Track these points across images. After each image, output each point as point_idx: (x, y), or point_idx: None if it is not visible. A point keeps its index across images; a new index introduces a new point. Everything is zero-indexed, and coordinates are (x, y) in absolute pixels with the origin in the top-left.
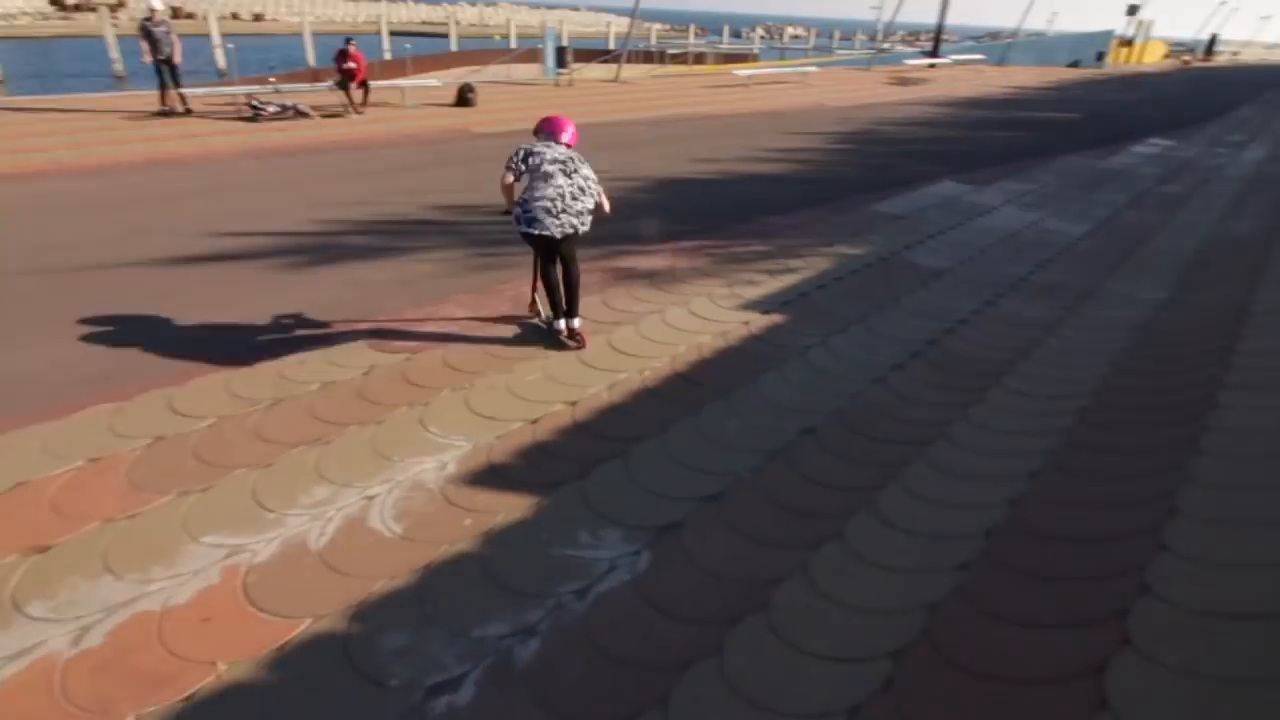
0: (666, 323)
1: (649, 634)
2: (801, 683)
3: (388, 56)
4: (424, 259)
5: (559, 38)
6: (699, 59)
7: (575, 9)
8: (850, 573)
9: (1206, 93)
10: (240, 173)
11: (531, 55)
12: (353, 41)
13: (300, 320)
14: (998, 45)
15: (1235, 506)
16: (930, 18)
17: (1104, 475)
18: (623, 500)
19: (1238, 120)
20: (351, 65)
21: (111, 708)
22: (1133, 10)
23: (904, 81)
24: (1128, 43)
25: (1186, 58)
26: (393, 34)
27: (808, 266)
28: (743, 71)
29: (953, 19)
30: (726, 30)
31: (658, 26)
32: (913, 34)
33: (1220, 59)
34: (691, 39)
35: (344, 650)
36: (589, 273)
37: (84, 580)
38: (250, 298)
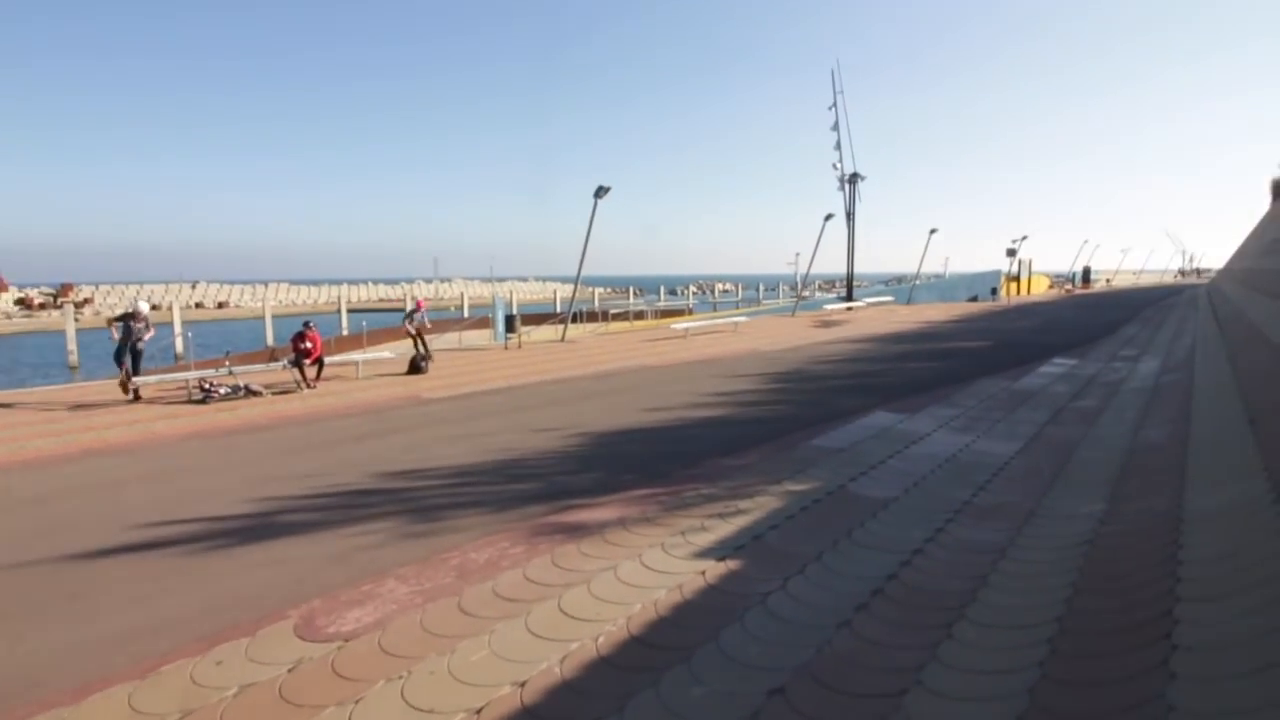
0: (620, 579)
1: None
2: None
3: (345, 332)
4: (364, 531)
5: (508, 305)
6: (639, 316)
7: (524, 279)
8: None
9: (1093, 315)
10: (183, 455)
11: (483, 323)
12: (311, 323)
13: (223, 611)
14: (904, 287)
15: None
16: (839, 267)
17: (1095, 708)
18: None
19: (1126, 337)
20: (307, 345)
21: None
22: (1011, 253)
23: (827, 324)
24: (1015, 278)
25: (1068, 287)
26: (351, 311)
27: (758, 507)
28: (680, 325)
29: (859, 268)
30: (663, 290)
31: (600, 290)
32: (829, 282)
33: (1097, 286)
34: (631, 299)
35: None
36: (537, 531)
37: None
38: (169, 592)
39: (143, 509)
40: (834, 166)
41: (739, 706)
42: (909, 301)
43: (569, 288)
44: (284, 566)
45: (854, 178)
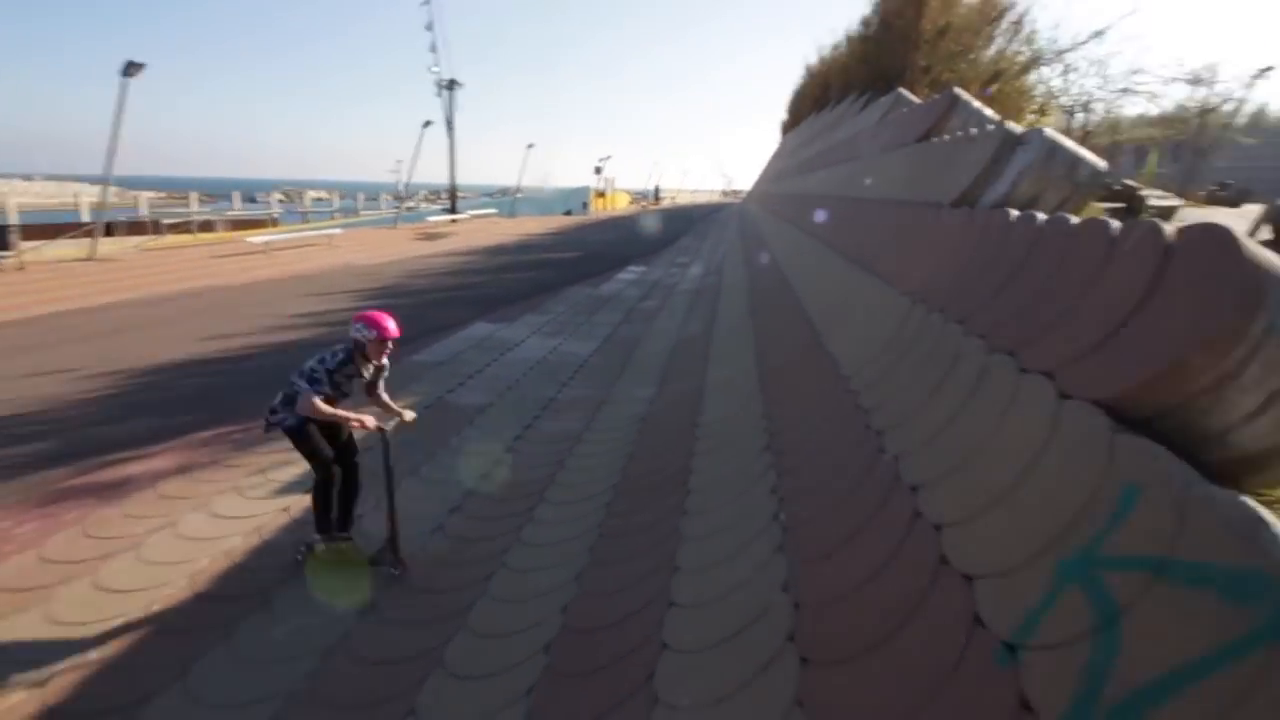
0: (181, 536)
1: None
2: None
3: None
4: None
5: (2, 214)
6: (206, 227)
7: (27, 178)
8: None
9: (660, 227)
10: None
11: None
12: None
13: None
14: (507, 200)
15: (708, 553)
16: (443, 177)
17: (627, 556)
18: None
19: (682, 246)
20: None
21: None
22: (598, 170)
23: (430, 236)
24: (602, 194)
25: (643, 203)
26: None
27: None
28: (259, 238)
29: (462, 179)
30: (238, 196)
31: (149, 194)
32: (434, 193)
33: (665, 202)
34: (195, 206)
35: None
36: (58, 498)
37: None
38: None
39: None
40: (430, 70)
41: (325, 633)
42: (511, 214)
43: (98, 190)
44: None
45: (452, 84)
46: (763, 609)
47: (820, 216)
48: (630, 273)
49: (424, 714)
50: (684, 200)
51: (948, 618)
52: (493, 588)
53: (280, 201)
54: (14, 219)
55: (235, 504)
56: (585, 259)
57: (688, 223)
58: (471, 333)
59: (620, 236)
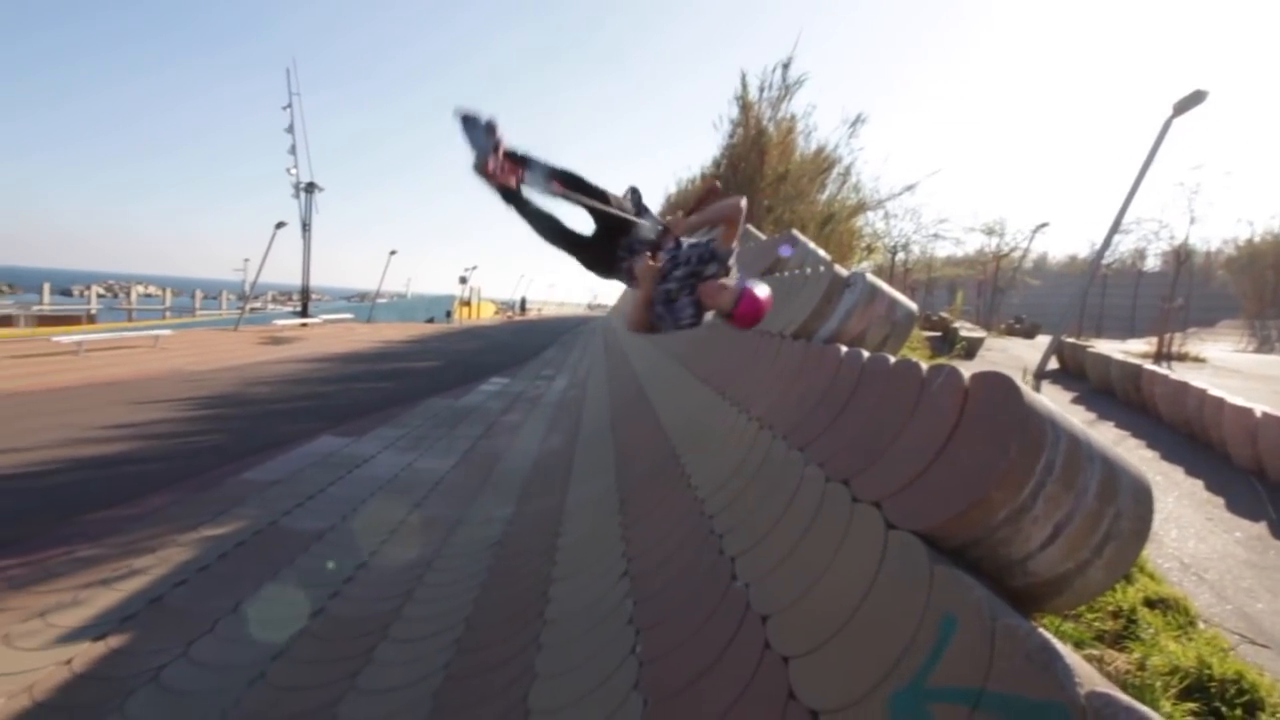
0: None
1: None
2: None
3: None
4: None
5: None
6: (5, 322)
7: None
8: None
9: (526, 339)
10: None
11: None
12: None
13: None
14: (365, 305)
15: (564, 692)
16: (296, 279)
17: (477, 700)
18: None
19: (546, 359)
20: None
21: None
22: (463, 280)
23: (276, 341)
24: (467, 303)
25: (509, 313)
26: None
27: (161, 562)
28: (69, 337)
29: (318, 281)
30: (48, 288)
31: None
32: (284, 294)
33: (531, 313)
34: None
35: None
36: None
37: None
38: None
39: None
40: (289, 172)
41: None
42: (369, 319)
43: None
44: None
45: (310, 186)
46: None
47: (677, 342)
48: (494, 384)
49: None
50: (550, 312)
51: None
52: None
53: (101, 296)
54: None
55: (1, 656)
56: (446, 368)
57: (553, 334)
58: (316, 447)
59: (484, 346)
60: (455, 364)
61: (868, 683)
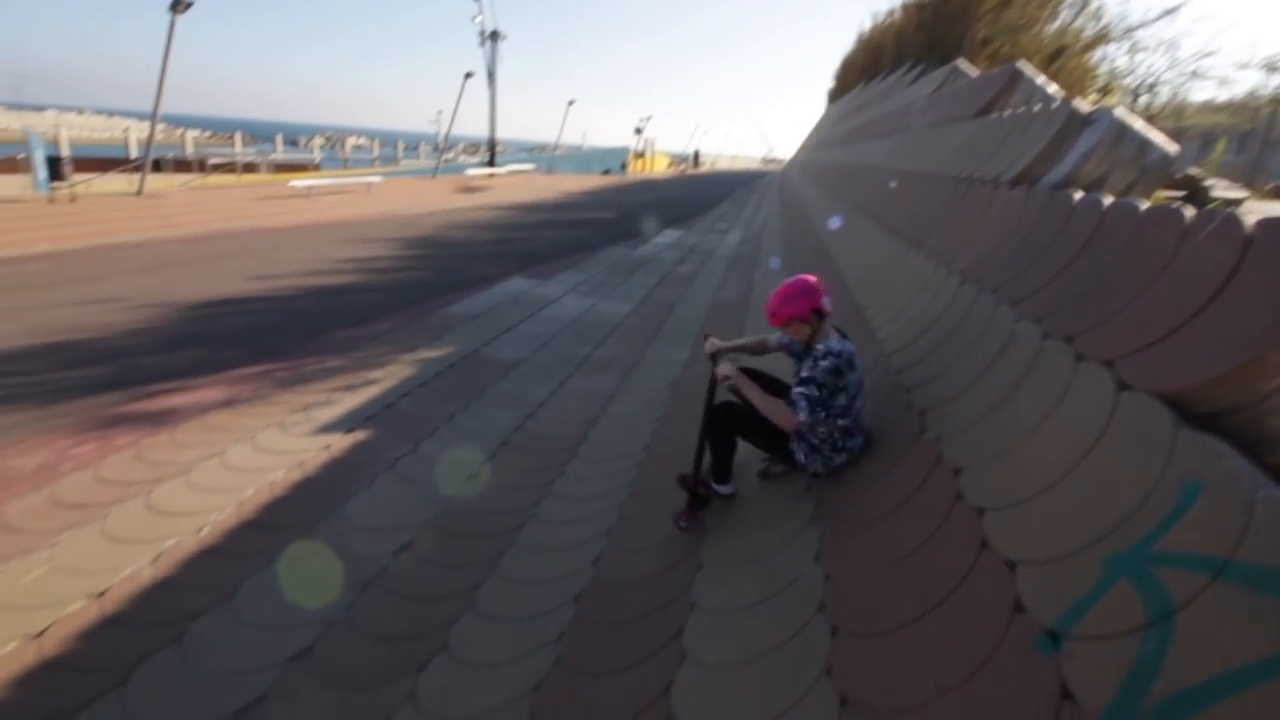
0: (227, 466)
1: None
2: None
3: None
4: None
5: (54, 146)
6: (249, 169)
7: (79, 111)
8: (459, 684)
9: (700, 192)
10: None
11: (11, 165)
12: None
13: None
14: (545, 156)
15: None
16: (482, 130)
17: (658, 516)
18: (183, 696)
19: (720, 212)
20: None
21: None
22: (638, 131)
23: (469, 190)
24: (641, 155)
25: (682, 166)
26: None
27: (389, 376)
28: (301, 182)
29: (502, 133)
30: (280, 139)
31: (194, 134)
32: (473, 146)
33: (704, 167)
34: (239, 147)
35: None
36: (112, 423)
37: None
38: None
39: None
40: (473, 20)
41: (364, 568)
42: (549, 171)
43: (146, 127)
44: None
45: (494, 35)
46: (793, 576)
47: (861, 192)
48: (668, 236)
49: (456, 649)
50: (724, 165)
51: (987, 601)
52: (523, 536)
53: (321, 147)
54: (66, 151)
55: (279, 439)
56: (622, 220)
57: (727, 188)
58: (508, 287)
59: (658, 199)
60: (630, 216)
61: (1078, 541)
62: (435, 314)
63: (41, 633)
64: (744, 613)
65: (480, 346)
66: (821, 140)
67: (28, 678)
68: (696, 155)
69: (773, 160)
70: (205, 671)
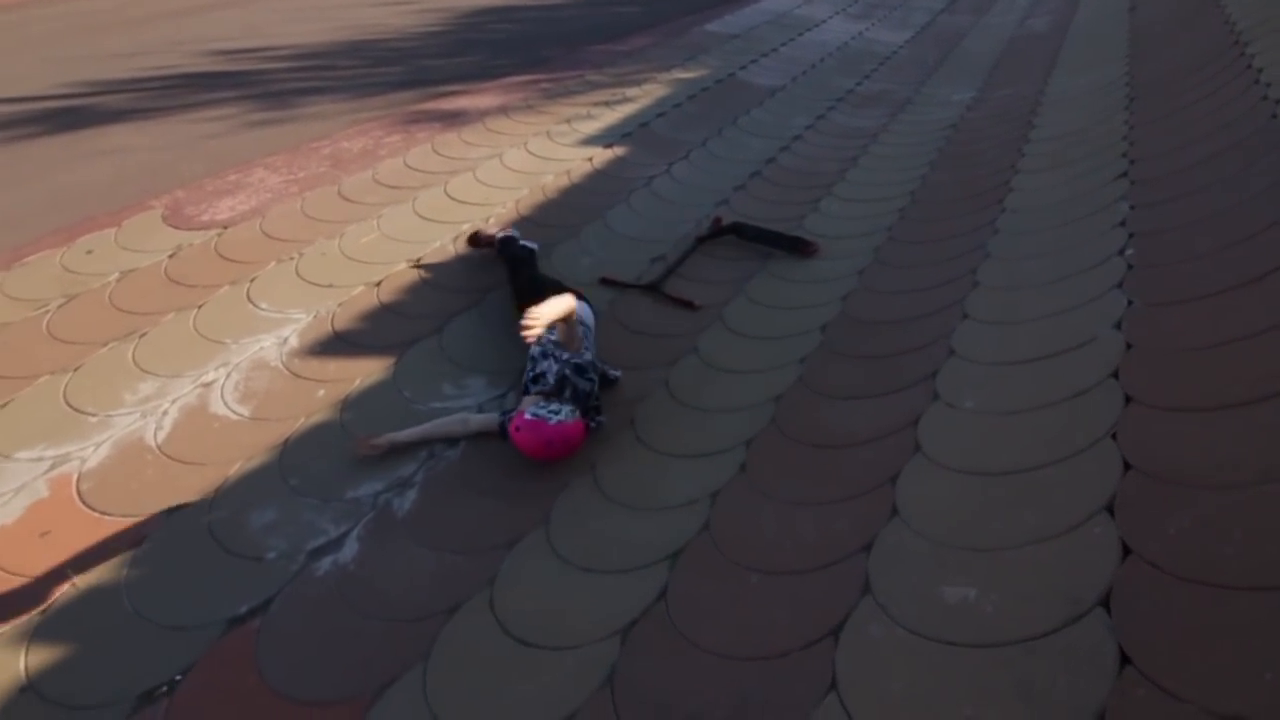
0: (505, 166)
1: (521, 467)
2: (668, 479)
3: None
4: (207, 118)
5: None
6: None
7: None
8: (706, 381)
9: None
10: None
11: None
12: None
13: (71, 204)
14: None
15: (1021, 274)
16: None
17: (916, 263)
18: (484, 348)
19: None
20: None
21: None
22: None
23: None
24: None
25: None
26: None
27: (645, 95)
28: None
29: None
30: None
31: None
32: None
33: None
34: None
35: (209, 534)
36: (412, 119)
37: None
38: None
39: None
40: None
41: (622, 269)
42: None
43: None
44: (126, 156)
45: None
46: (1084, 338)
47: None
48: None
49: (704, 353)
50: None
51: None
52: (772, 266)
53: None
54: None
55: (548, 146)
56: None
57: None
58: (770, 5)
59: None
60: None
61: None
62: (691, 31)
63: (379, 283)
64: (1014, 366)
65: (736, 70)
66: None
67: (371, 314)
68: None
69: None
70: (499, 332)
